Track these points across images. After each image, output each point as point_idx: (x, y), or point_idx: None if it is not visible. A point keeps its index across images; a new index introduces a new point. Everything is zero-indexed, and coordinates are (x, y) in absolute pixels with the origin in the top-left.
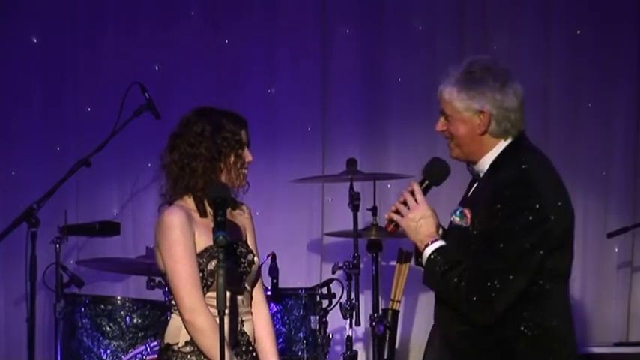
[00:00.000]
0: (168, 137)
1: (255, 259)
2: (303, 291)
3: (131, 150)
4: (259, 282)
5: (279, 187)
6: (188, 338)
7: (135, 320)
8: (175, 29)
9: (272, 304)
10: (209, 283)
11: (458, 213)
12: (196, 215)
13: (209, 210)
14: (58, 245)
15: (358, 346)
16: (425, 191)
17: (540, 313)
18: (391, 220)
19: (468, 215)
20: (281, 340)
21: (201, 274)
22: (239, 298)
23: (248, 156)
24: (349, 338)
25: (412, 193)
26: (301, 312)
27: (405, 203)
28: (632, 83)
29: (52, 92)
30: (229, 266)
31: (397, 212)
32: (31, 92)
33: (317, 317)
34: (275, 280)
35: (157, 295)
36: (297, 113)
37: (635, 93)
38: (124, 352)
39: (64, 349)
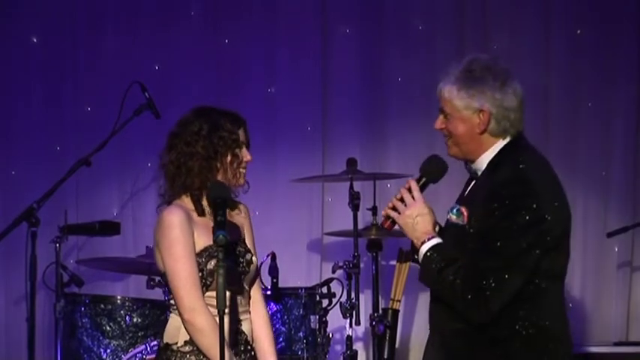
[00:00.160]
0: (167, 136)
1: (254, 258)
2: (303, 290)
3: (131, 149)
4: (257, 281)
5: (279, 186)
6: (187, 338)
7: (135, 320)
8: (175, 29)
9: (272, 304)
10: (208, 282)
11: (455, 211)
12: (195, 215)
13: (207, 209)
14: (58, 245)
15: (358, 346)
16: (422, 188)
17: (536, 313)
18: (388, 217)
19: (465, 213)
20: (281, 339)
21: (200, 274)
22: (238, 297)
23: (246, 155)
24: (349, 338)
25: (409, 190)
26: (301, 311)
27: (402, 200)
28: (632, 83)
29: (52, 92)
30: (229, 266)
31: (394, 209)
32: (31, 92)
33: (317, 317)
34: (275, 280)
35: (157, 294)
36: (297, 113)
37: (635, 93)
38: (123, 351)
39: (64, 348)
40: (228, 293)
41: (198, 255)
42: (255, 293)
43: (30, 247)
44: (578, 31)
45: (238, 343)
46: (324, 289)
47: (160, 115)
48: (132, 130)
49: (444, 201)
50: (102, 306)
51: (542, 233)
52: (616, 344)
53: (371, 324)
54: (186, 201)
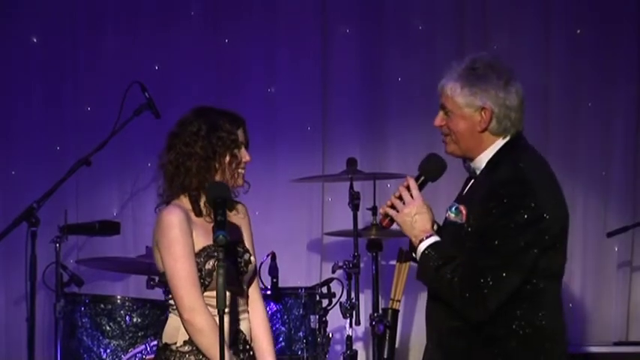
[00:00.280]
0: (166, 136)
1: (252, 258)
2: (303, 290)
3: (131, 149)
4: (255, 281)
5: (279, 186)
6: (186, 338)
7: (135, 320)
8: (175, 29)
9: (272, 304)
10: (207, 282)
11: (453, 209)
12: (193, 215)
13: (204, 210)
14: (57, 244)
15: (358, 346)
16: (421, 186)
17: (533, 312)
18: (386, 215)
19: (464, 212)
20: (281, 339)
21: (199, 274)
22: (236, 297)
23: (245, 156)
24: (349, 338)
25: (408, 188)
26: (301, 311)
27: (400, 198)
28: (632, 83)
29: (52, 92)
30: (228, 266)
31: (392, 207)
32: (31, 92)
33: (317, 317)
34: (275, 280)
35: (157, 294)
36: (297, 113)
37: (635, 93)
38: (123, 351)
39: (64, 348)
40: (227, 293)
41: (197, 255)
42: (254, 293)
43: (30, 246)
44: (578, 31)
45: (237, 342)
46: (324, 289)
47: (159, 115)
48: (132, 130)
49: (443, 200)
50: (102, 306)
51: (541, 232)
52: (616, 344)
53: (371, 324)
54: (185, 201)
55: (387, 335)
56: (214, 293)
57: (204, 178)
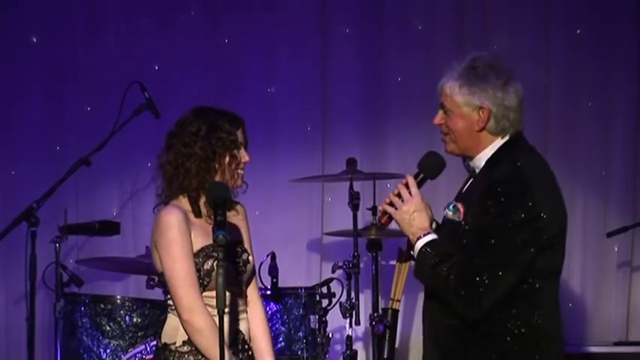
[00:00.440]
0: (165, 136)
1: (250, 258)
2: (303, 290)
3: (131, 149)
4: (254, 281)
5: (279, 186)
6: (186, 338)
7: (134, 320)
8: (175, 29)
9: (272, 304)
10: (205, 282)
11: (451, 207)
12: (192, 215)
13: (203, 210)
14: (57, 244)
15: (358, 346)
16: (420, 184)
17: (529, 311)
18: (385, 212)
19: (461, 210)
20: (281, 339)
21: (197, 274)
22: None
23: (244, 156)
24: (349, 338)
25: (407, 186)
26: (301, 311)
27: (399, 195)
28: (632, 83)
29: (52, 92)
30: (227, 266)
31: (391, 204)
32: (31, 92)
33: (317, 317)
34: (275, 280)
35: (157, 294)
36: (297, 113)
37: (635, 93)
38: (123, 351)
39: (64, 348)
40: (227, 293)
41: (195, 255)
42: (252, 293)
43: (30, 246)
44: (578, 31)
45: (237, 342)
46: (324, 289)
47: (159, 115)
48: (132, 130)
49: (442, 198)
50: (102, 306)
51: (538, 231)
52: (616, 344)
53: (371, 324)
54: (184, 201)
55: (387, 335)
56: (213, 293)
57: (204, 178)
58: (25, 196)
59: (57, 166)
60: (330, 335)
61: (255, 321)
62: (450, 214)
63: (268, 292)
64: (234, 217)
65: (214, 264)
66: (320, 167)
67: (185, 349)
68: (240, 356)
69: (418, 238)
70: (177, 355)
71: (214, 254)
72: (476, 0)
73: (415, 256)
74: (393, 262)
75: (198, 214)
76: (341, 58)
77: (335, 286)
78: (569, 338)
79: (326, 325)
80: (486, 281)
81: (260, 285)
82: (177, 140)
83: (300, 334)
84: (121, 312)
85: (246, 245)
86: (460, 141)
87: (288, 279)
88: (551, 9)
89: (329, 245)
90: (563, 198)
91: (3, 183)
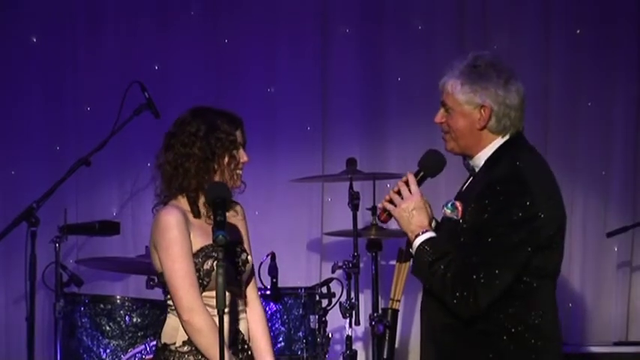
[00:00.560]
0: (164, 136)
1: (249, 258)
2: (303, 290)
3: (131, 149)
4: (253, 281)
5: (279, 186)
6: (185, 338)
7: (134, 319)
8: (175, 29)
9: (271, 304)
10: (205, 283)
11: (449, 205)
12: (191, 215)
13: (202, 211)
14: (57, 244)
15: (358, 346)
16: (420, 182)
17: (526, 311)
18: (384, 209)
19: (460, 208)
20: (280, 339)
21: (197, 274)
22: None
23: (243, 156)
24: (349, 338)
25: (407, 183)
26: (301, 311)
27: (399, 193)
28: (632, 83)
29: (52, 92)
30: (227, 266)
31: (391, 201)
32: (31, 92)
33: (316, 317)
34: (274, 280)
35: (157, 294)
36: (297, 113)
37: (635, 93)
38: (123, 351)
39: (64, 348)
40: (227, 293)
41: (195, 255)
42: (252, 293)
43: (30, 246)
44: (578, 31)
45: (236, 342)
46: (324, 289)
47: (159, 115)
48: (131, 130)
49: (443, 197)
50: (101, 306)
51: (535, 230)
52: (616, 344)
53: (370, 324)
54: (182, 202)
55: (387, 335)
56: (213, 293)
57: (203, 179)
58: (25, 196)
59: (57, 166)
60: (330, 335)
61: (254, 321)
62: (448, 212)
63: (268, 292)
64: (233, 218)
65: (214, 264)
66: (320, 167)
67: (185, 349)
68: (240, 356)
69: (417, 236)
70: (177, 355)
71: (214, 254)
72: (476, 0)
73: (413, 253)
74: (393, 262)
75: (197, 214)
76: (341, 58)
77: (335, 286)
78: (569, 338)
79: (326, 325)
80: (482, 279)
81: (260, 285)
82: (175, 140)
83: (300, 334)
84: (121, 312)
85: (245, 245)
86: (461, 139)
87: (288, 279)
88: (551, 9)
89: (329, 245)
90: (563, 198)
91: (3, 183)
